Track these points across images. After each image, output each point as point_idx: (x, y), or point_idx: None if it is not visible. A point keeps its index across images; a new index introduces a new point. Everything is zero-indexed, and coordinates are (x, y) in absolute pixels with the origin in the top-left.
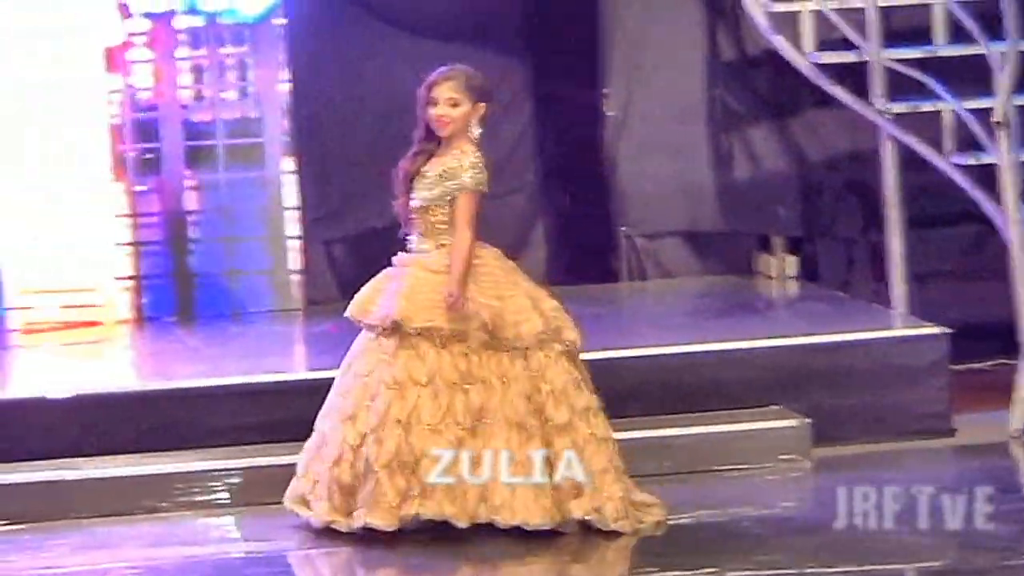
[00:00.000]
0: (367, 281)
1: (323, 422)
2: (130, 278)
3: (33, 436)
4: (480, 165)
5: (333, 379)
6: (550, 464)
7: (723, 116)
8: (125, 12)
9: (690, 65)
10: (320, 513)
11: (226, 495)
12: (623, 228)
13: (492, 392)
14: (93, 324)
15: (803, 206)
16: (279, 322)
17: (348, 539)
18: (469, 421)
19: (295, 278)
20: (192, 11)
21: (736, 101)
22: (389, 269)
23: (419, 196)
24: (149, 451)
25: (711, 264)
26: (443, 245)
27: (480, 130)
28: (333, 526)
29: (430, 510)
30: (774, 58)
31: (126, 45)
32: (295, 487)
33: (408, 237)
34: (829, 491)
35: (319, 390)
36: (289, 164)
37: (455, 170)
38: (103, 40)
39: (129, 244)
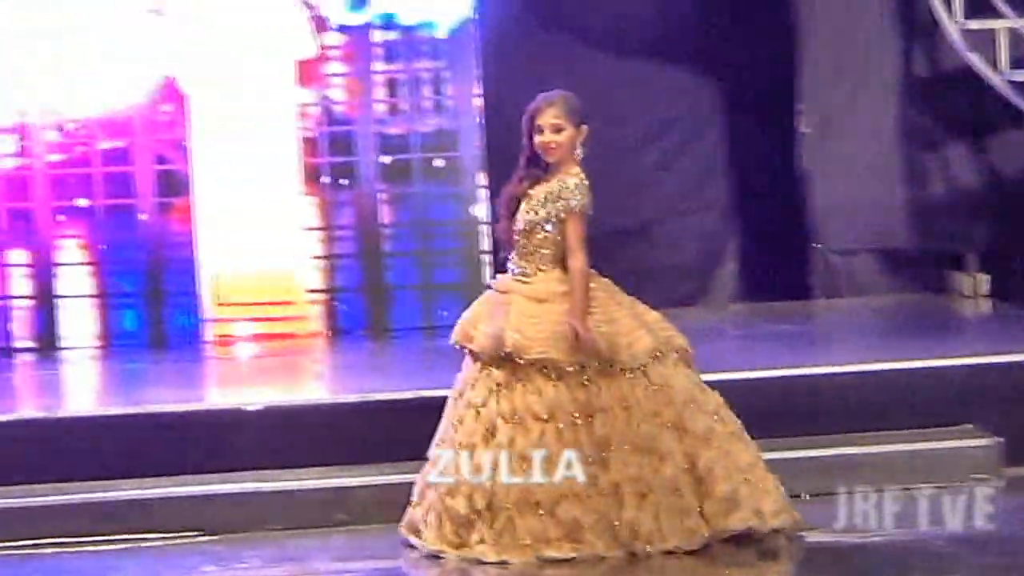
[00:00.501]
0: None
1: (436, 450)
2: (323, 291)
3: (228, 447)
4: (585, 187)
5: None
6: (699, 480)
7: (917, 134)
8: (320, 26)
9: (885, 83)
10: (429, 541)
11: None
12: (816, 245)
13: (615, 420)
14: (287, 336)
15: (997, 224)
16: None
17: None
18: (598, 453)
19: None
20: (387, 25)
21: (930, 119)
22: (490, 293)
23: (524, 218)
24: (341, 464)
25: (904, 281)
26: (542, 269)
27: (583, 151)
28: (440, 555)
29: (581, 551)
30: (969, 76)
31: (321, 58)
32: (410, 515)
33: (510, 260)
34: (1020, 511)
35: None
36: (483, 178)
37: (561, 192)
38: (296, 54)
39: (322, 257)
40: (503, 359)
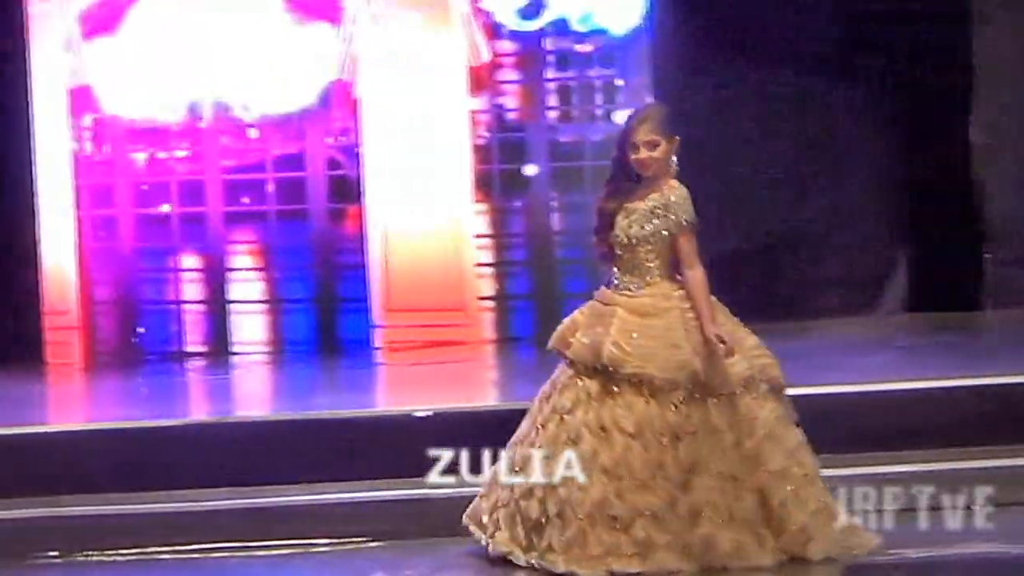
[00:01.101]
0: (737, 305)
1: (514, 450)
2: (494, 298)
3: (397, 453)
4: (689, 199)
5: None
6: (771, 514)
7: None
8: (493, 33)
9: None
10: (500, 541)
11: None
12: (988, 255)
13: (701, 445)
14: (457, 343)
15: None
16: None
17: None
18: (681, 476)
19: None
20: (560, 32)
21: None
22: (593, 304)
23: (628, 233)
24: None
25: None
26: (648, 283)
27: (676, 162)
28: (510, 557)
29: (651, 566)
30: None
31: (493, 66)
32: (476, 506)
33: (612, 274)
34: None
35: None
36: None
37: (668, 208)
38: (467, 61)
39: (493, 264)
40: (597, 370)
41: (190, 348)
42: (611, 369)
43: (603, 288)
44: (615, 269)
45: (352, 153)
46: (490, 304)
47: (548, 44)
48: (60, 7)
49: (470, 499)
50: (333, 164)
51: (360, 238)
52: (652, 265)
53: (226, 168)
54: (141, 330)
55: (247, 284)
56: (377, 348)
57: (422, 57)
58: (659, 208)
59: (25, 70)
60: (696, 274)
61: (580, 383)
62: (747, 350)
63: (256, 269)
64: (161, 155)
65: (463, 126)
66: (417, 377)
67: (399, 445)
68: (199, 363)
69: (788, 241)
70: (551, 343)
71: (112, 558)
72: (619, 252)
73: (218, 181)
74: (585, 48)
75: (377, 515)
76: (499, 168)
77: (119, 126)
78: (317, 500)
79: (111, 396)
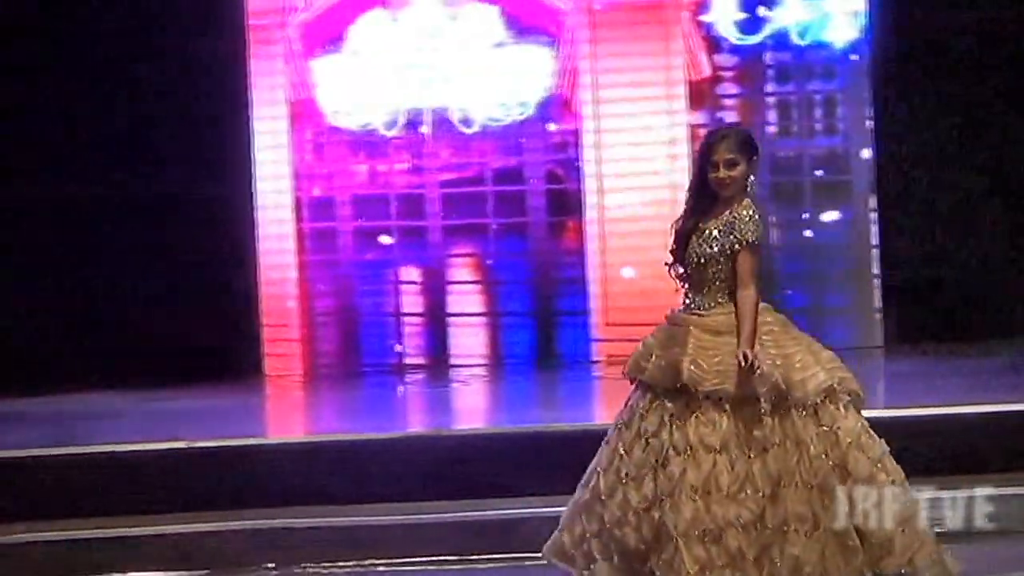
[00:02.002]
0: (946, 324)
1: (597, 478)
2: None
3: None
4: (759, 219)
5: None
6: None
7: None
8: (714, 47)
9: None
10: (600, 573)
11: None
12: None
13: (788, 456)
14: None
15: None
16: (861, 359)
17: None
18: (768, 488)
19: (877, 316)
20: (780, 46)
21: None
22: (665, 326)
23: (698, 252)
24: None
25: None
26: (720, 302)
27: (754, 183)
28: None
29: None
30: None
31: (714, 79)
32: (557, 540)
33: (686, 294)
34: None
35: (900, 426)
36: (874, 202)
37: (736, 224)
38: (687, 75)
39: None
40: (677, 391)
41: (409, 360)
42: (692, 388)
43: (674, 310)
44: (687, 289)
45: (572, 166)
46: None
47: (768, 58)
48: (280, 21)
49: None
50: (553, 177)
51: (579, 251)
52: (722, 284)
53: (446, 181)
54: (398, 347)
55: (466, 296)
56: (596, 362)
57: (642, 71)
58: (728, 227)
59: (245, 82)
60: (748, 294)
61: (661, 405)
62: (824, 362)
63: (475, 282)
64: (381, 168)
65: (683, 140)
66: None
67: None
68: (418, 375)
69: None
70: (626, 370)
71: (329, 570)
72: (690, 272)
73: (437, 194)
74: (806, 62)
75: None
76: None
77: (340, 138)
78: (535, 512)
79: (331, 408)
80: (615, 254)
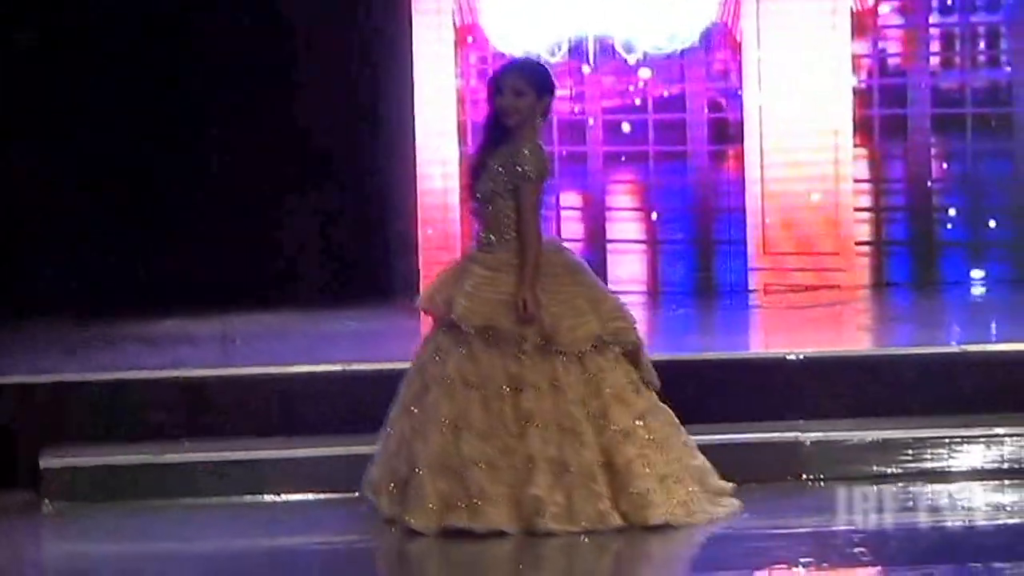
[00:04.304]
0: None
1: (391, 411)
2: (869, 243)
3: (767, 395)
4: (540, 154)
5: None
6: (613, 472)
7: None
8: None
9: None
10: (382, 507)
11: (955, 461)
12: None
13: (543, 397)
14: (833, 287)
15: None
16: (1019, 292)
17: None
18: (517, 428)
19: None
20: None
21: None
22: (457, 262)
23: (482, 188)
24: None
25: None
26: (506, 239)
27: (543, 121)
28: (396, 518)
29: (481, 522)
30: None
31: (877, 10)
32: (369, 472)
33: (478, 230)
34: None
35: None
36: None
37: (516, 160)
38: (851, 4)
39: (871, 209)
40: (452, 325)
41: None
42: (461, 324)
43: (470, 246)
44: (478, 226)
45: (733, 95)
46: (867, 249)
47: None
48: None
49: (842, 442)
50: (714, 106)
51: (739, 180)
52: (507, 221)
53: (608, 108)
54: None
55: (626, 224)
56: (752, 291)
57: (805, 1)
58: (508, 163)
59: (408, 5)
60: (527, 229)
61: (436, 339)
62: (604, 312)
63: (635, 209)
64: None
65: (845, 70)
66: (791, 320)
67: (771, 387)
68: None
69: None
70: (419, 303)
71: None
72: (481, 208)
73: (600, 121)
74: None
75: (747, 457)
76: (879, 113)
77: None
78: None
79: None
80: (773, 183)
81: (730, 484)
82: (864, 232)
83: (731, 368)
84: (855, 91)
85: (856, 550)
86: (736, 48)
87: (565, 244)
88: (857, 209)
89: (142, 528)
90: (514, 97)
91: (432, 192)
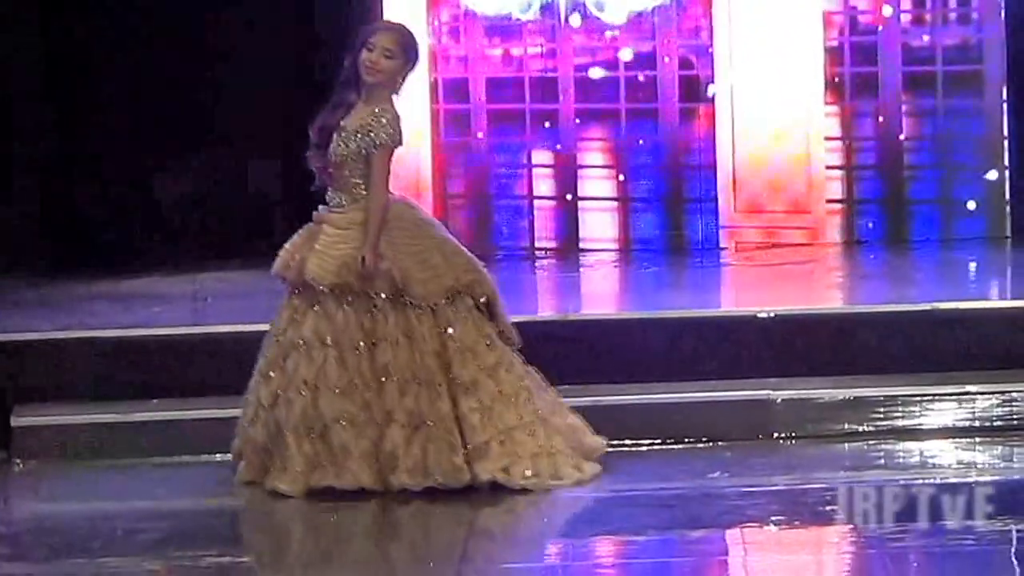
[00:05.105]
0: None
1: (250, 381)
2: (840, 201)
3: (737, 353)
4: (397, 122)
5: None
6: (459, 422)
7: None
8: None
9: None
10: (241, 474)
11: (927, 419)
12: None
13: (398, 350)
14: (803, 245)
15: None
16: (988, 250)
17: None
18: (375, 382)
19: (1007, 208)
20: None
21: None
22: (309, 225)
23: (336, 151)
24: (853, 374)
25: None
26: (357, 200)
27: (401, 87)
28: (251, 485)
29: (345, 481)
30: None
31: None
32: (232, 445)
33: (328, 191)
34: None
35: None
36: (1006, 92)
37: (372, 126)
38: None
39: (841, 168)
40: (305, 286)
41: (540, 244)
42: (314, 284)
43: (320, 208)
44: (329, 188)
45: (704, 52)
46: (838, 207)
47: None
48: None
49: (814, 400)
50: (684, 63)
51: (710, 138)
52: (359, 183)
53: (579, 66)
54: (504, 230)
55: (597, 182)
56: (723, 248)
57: None
58: (364, 126)
59: None
60: (374, 193)
61: (291, 303)
62: (456, 265)
63: (606, 167)
64: (515, 51)
65: (816, 27)
66: (762, 278)
67: (742, 346)
68: (548, 260)
69: None
70: (274, 267)
71: None
72: (332, 170)
73: (571, 79)
74: None
75: (716, 416)
76: (850, 71)
77: (476, 22)
78: (658, 399)
79: None
80: (744, 141)
81: (602, 440)
82: (835, 190)
83: (701, 326)
84: (826, 49)
85: (827, 508)
86: (707, 5)
87: (415, 202)
88: (829, 167)
89: (113, 487)
90: (383, 57)
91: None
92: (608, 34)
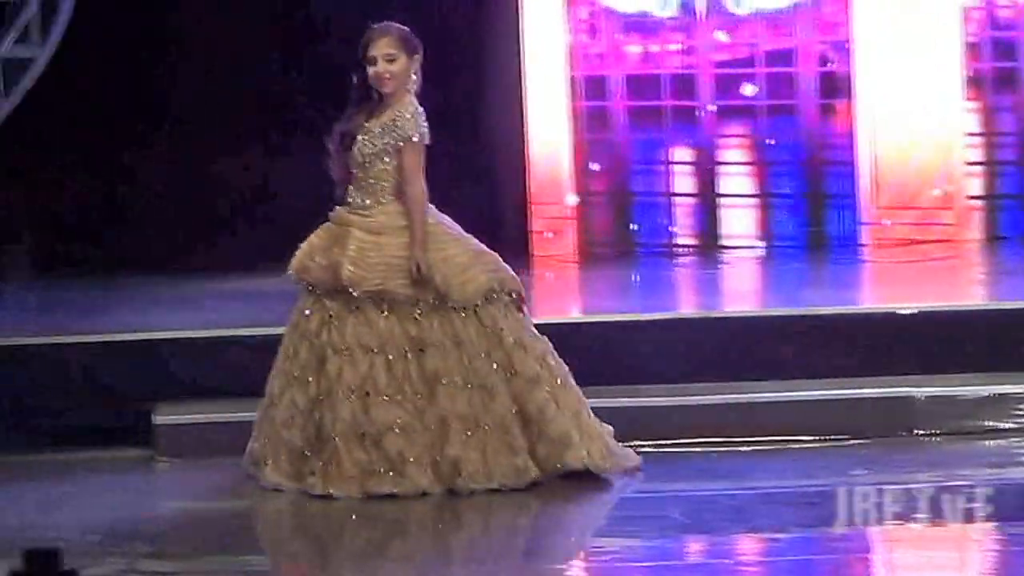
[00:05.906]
0: None
1: (272, 381)
2: (982, 197)
3: (880, 351)
4: (421, 117)
5: None
6: (529, 421)
7: None
8: None
9: None
10: (268, 476)
11: None
12: None
13: (447, 355)
14: (945, 241)
15: None
16: None
17: None
18: (426, 389)
19: None
20: None
21: None
22: (328, 225)
23: (362, 152)
24: (992, 371)
25: None
26: (382, 202)
27: (418, 81)
28: (281, 488)
29: (404, 487)
30: None
31: None
32: (251, 447)
33: (350, 194)
34: None
35: None
36: None
37: (397, 122)
38: None
39: (982, 163)
40: (338, 291)
41: (680, 241)
42: (351, 289)
43: (338, 209)
44: (350, 190)
45: (843, 48)
46: (979, 203)
47: None
48: None
49: (960, 398)
50: (823, 60)
51: (849, 134)
52: (386, 184)
53: (717, 62)
54: (634, 226)
55: (736, 178)
56: (863, 245)
57: None
58: (389, 125)
59: None
60: (413, 191)
61: (323, 306)
62: (487, 263)
63: (745, 163)
64: (654, 48)
65: (955, 23)
66: (902, 274)
67: (883, 343)
68: (688, 256)
69: None
70: (291, 269)
71: None
72: (355, 172)
73: (710, 75)
74: None
75: (856, 413)
76: (991, 66)
77: (614, 18)
78: (800, 396)
79: (601, 288)
80: (884, 137)
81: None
82: (976, 186)
83: (842, 323)
84: (966, 44)
85: (971, 505)
86: (846, 1)
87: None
88: (969, 163)
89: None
90: (387, 64)
91: (542, 148)
92: (745, 31)
